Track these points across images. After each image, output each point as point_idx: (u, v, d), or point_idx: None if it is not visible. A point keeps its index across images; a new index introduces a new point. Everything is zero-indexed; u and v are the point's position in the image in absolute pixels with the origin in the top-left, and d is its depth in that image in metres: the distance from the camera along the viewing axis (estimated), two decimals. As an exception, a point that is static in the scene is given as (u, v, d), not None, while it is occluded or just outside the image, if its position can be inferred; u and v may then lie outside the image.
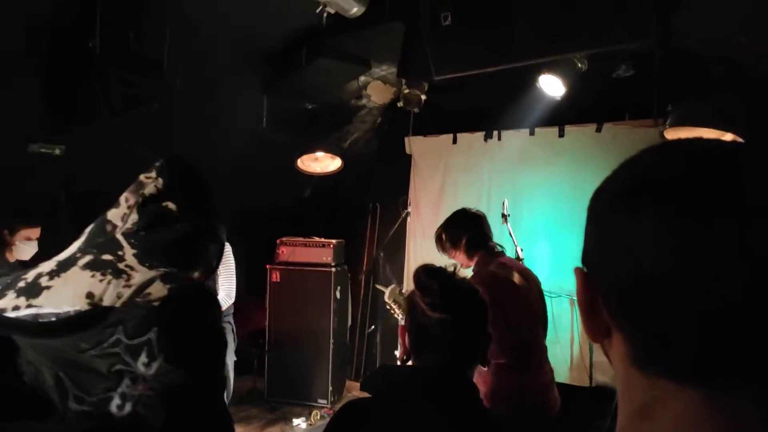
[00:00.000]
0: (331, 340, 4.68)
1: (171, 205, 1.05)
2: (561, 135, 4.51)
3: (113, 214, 1.05)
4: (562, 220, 4.42)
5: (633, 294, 0.42)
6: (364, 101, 4.91)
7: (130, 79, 2.50)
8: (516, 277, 2.31)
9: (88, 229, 1.07)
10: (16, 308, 0.94)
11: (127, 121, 2.83)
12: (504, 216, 3.35)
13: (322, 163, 4.61)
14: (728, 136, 3.09)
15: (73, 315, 0.93)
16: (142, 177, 1.09)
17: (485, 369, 2.23)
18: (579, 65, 3.52)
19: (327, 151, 4.44)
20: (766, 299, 0.37)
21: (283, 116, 4.19)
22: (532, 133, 4.64)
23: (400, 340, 1.18)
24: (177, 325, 0.96)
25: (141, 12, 2.68)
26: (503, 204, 3.42)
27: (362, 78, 4.34)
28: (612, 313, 0.46)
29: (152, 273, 1.00)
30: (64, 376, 0.90)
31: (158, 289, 0.99)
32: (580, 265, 0.52)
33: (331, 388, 4.67)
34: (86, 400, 0.90)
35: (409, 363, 1.16)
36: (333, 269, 4.73)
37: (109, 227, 1.04)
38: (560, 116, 4.37)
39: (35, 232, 2.88)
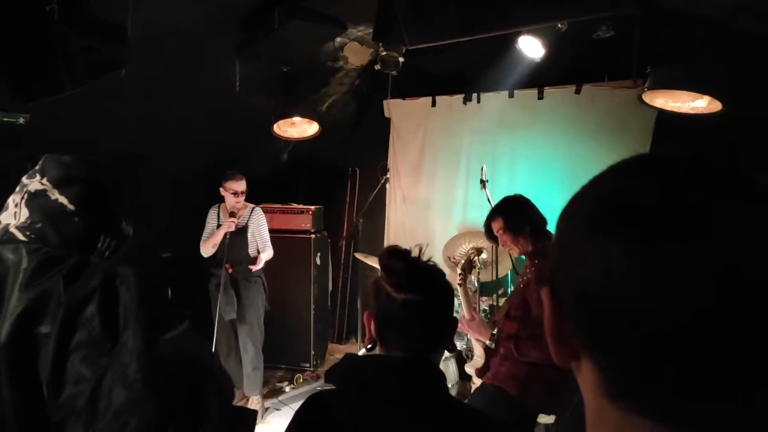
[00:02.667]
0: (312, 306, 4.70)
1: (62, 199, 1.07)
2: (540, 97, 4.47)
3: (5, 216, 1.08)
4: (542, 185, 4.44)
5: (605, 324, 0.41)
6: (341, 63, 4.79)
7: (92, 44, 2.38)
8: None
9: None
10: None
11: (93, 89, 2.71)
12: (482, 182, 3.34)
13: (299, 127, 4.51)
14: (705, 99, 3.09)
15: None
16: (24, 179, 1.11)
17: (533, 357, 2.18)
18: (559, 25, 3.46)
19: (304, 115, 4.34)
20: (741, 338, 0.36)
21: (258, 80, 4.06)
22: (511, 96, 4.59)
23: (366, 327, 1.16)
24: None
25: (101, -28, 2.53)
26: (482, 170, 3.41)
27: (338, 39, 4.21)
28: (583, 341, 0.44)
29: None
30: None
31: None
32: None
33: (313, 352, 4.72)
34: None
35: (376, 350, 1.14)
36: (312, 236, 4.71)
37: (1, 226, 1.07)
38: (540, 78, 4.31)
39: None
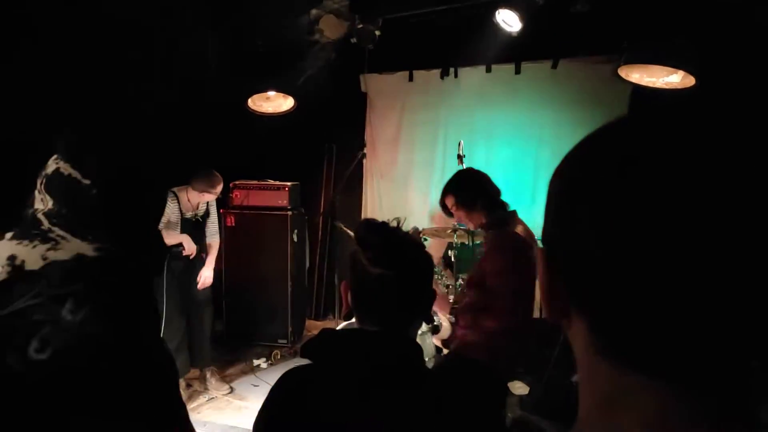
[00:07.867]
0: (290, 283, 4.68)
1: (75, 173, 1.01)
2: (517, 72, 4.46)
3: (34, 201, 1.03)
4: (518, 160, 4.45)
5: (599, 282, 0.40)
6: (316, 36, 4.69)
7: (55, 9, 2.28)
8: (530, 239, 2.31)
9: None
10: None
11: (56, 60, 2.61)
12: (460, 157, 3.34)
13: (274, 102, 4.43)
14: (679, 74, 3.11)
15: None
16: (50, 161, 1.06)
17: (490, 327, 2.20)
18: (536, -1, 3.43)
19: (279, 89, 4.25)
20: (738, 294, 0.36)
21: (231, 54, 3.97)
22: (488, 71, 4.57)
23: (342, 298, 1.14)
24: (105, 280, 0.97)
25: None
26: (459, 145, 3.40)
27: (313, 11, 4.12)
28: (575, 299, 0.44)
29: (85, 244, 0.98)
30: None
31: (88, 251, 0.97)
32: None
33: (291, 329, 4.72)
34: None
35: (352, 320, 1.13)
36: (289, 212, 4.67)
37: (30, 210, 1.03)
38: (517, 53, 4.29)
39: None
